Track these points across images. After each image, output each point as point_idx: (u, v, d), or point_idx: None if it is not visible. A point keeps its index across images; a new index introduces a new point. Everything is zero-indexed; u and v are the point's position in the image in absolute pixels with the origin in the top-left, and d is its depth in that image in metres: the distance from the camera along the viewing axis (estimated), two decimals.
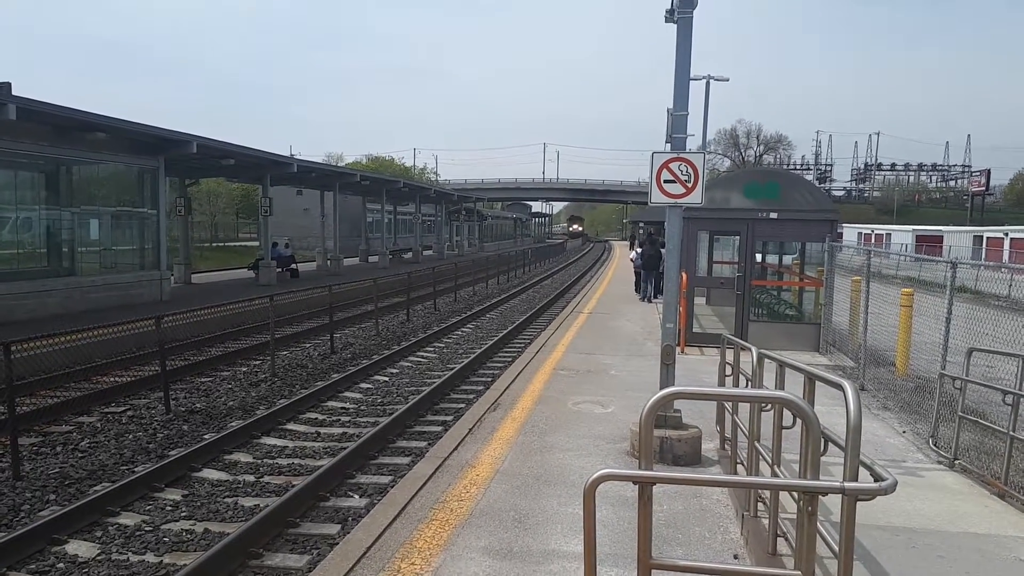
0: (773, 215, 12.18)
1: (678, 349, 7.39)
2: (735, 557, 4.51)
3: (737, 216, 12.32)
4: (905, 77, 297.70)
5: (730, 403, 5.98)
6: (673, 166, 6.38)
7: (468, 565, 4.36)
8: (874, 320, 10.07)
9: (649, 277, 20.50)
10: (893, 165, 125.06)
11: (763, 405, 4.60)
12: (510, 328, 17.15)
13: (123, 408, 9.78)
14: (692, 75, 6.67)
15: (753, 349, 5.16)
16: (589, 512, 2.74)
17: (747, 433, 4.74)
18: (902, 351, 10.10)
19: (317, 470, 7.06)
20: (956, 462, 6.48)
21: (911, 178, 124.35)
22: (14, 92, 13.62)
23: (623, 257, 46.37)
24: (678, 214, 6.68)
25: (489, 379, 11.54)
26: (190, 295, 20.86)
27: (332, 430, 9.02)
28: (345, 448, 7.90)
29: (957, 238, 46.31)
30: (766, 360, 5.05)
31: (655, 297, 19.93)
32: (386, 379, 11.97)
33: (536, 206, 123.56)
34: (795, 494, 3.20)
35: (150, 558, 5.53)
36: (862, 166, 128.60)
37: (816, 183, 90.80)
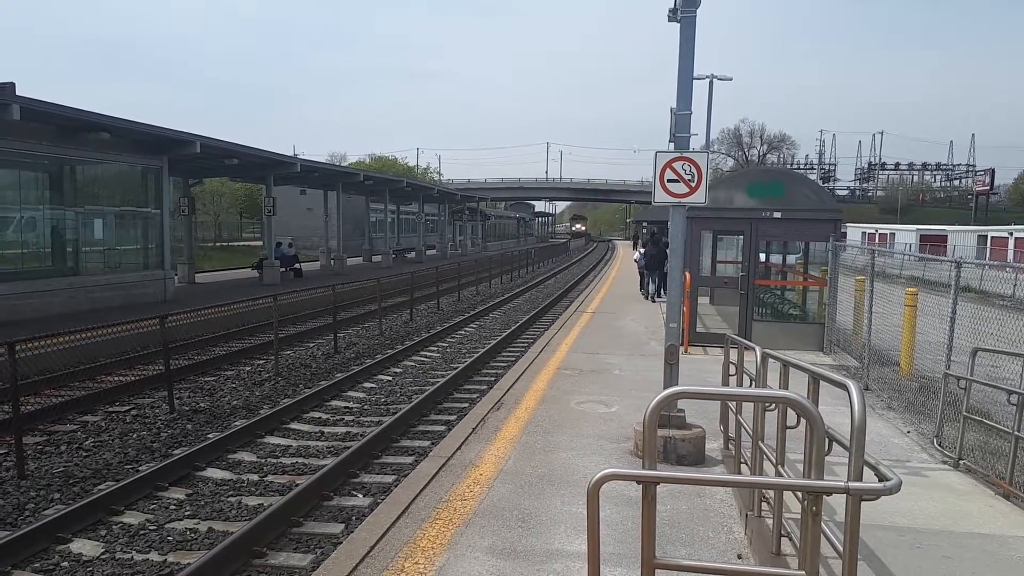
0: (777, 215, 12.16)
1: (682, 349, 7.37)
2: (739, 557, 4.51)
3: (741, 216, 12.30)
4: (909, 76, 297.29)
5: (734, 403, 5.96)
6: (677, 165, 6.37)
7: (472, 564, 4.36)
8: (878, 320, 10.05)
9: (653, 276, 20.62)
10: (897, 164, 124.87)
11: (767, 405, 4.59)
12: (513, 327, 17.15)
13: (127, 407, 9.80)
14: (695, 74, 6.66)
15: (757, 349, 5.15)
16: (593, 512, 2.74)
17: (751, 433, 4.74)
18: (906, 351, 10.07)
19: (321, 469, 7.06)
20: (961, 462, 6.46)
21: (915, 177, 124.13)
22: (17, 92, 13.66)
23: (626, 257, 46.35)
24: (682, 213, 6.67)
25: (492, 378, 11.53)
26: (194, 295, 20.90)
27: (336, 429, 9.03)
28: (349, 447, 7.90)
29: (961, 238, 46.19)
30: (770, 360, 5.04)
31: (659, 296, 19.99)
32: (389, 378, 11.98)
33: (539, 206, 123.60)
34: (799, 494, 3.19)
35: (154, 557, 5.54)
36: (866, 165, 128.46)
37: (820, 182, 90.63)
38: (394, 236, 44.65)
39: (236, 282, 25.38)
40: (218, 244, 53.68)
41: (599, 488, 2.72)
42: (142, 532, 5.97)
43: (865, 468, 2.77)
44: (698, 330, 12.99)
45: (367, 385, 11.43)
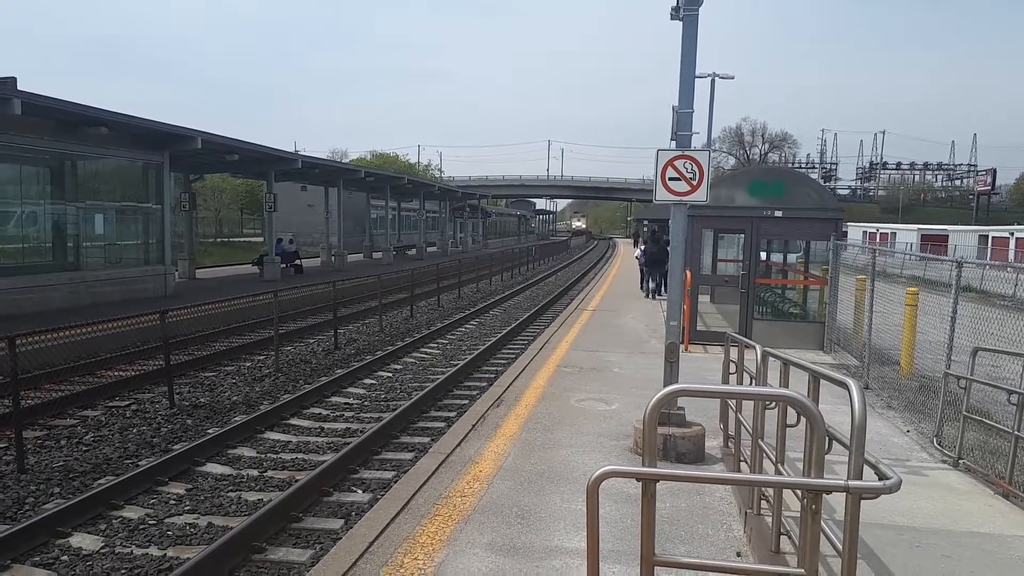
0: (778, 213, 12.16)
1: (682, 347, 7.37)
2: (738, 555, 4.51)
3: (742, 214, 12.30)
4: (910, 76, 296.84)
5: (734, 401, 5.96)
6: (678, 163, 6.37)
7: (471, 561, 4.36)
8: (879, 319, 10.05)
9: (653, 274, 20.68)
10: (898, 164, 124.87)
11: (767, 403, 4.59)
12: (514, 325, 17.15)
13: (127, 402, 9.81)
14: (697, 73, 6.65)
15: (757, 347, 5.15)
16: (592, 509, 2.74)
17: (751, 431, 4.74)
18: (907, 350, 10.07)
19: (320, 465, 7.07)
20: (960, 461, 6.46)
21: (916, 177, 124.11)
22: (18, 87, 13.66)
23: (626, 255, 46.33)
24: (683, 212, 6.67)
25: (492, 375, 11.54)
26: (194, 290, 20.91)
27: (336, 425, 9.04)
28: (349, 443, 7.90)
29: (962, 237, 46.20)
30: (770, 358, 5.04)
31: (659, 294, 20.08)
32: (390, 375, 11.98)
33: (540, 204, 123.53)
34: (799, 492, 3.19)
35: (154, 551, 5.55)
36: (867, 165, 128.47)
37: (821, 182, 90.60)
38: (395, 233, 44.65)
39: (237, 278, 25.38)
40: (219, 240, 53.73)
41: (599, 485, 2.72)
42: (142, 527, 5.98)
43: (865, 467, 2.77)
44: (698, 328, 12.99)
45: (367, 381, 11.44)
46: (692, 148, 6.51)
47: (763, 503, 4.67)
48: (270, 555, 5.49)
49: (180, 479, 7.08)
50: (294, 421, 9.15)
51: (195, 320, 14.31)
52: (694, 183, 6.36)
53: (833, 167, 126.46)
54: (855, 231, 56.15)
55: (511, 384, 9.21)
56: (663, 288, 19.66)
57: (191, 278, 24.93)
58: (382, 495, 6.20)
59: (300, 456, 7.84)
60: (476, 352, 13.39)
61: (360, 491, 6.87)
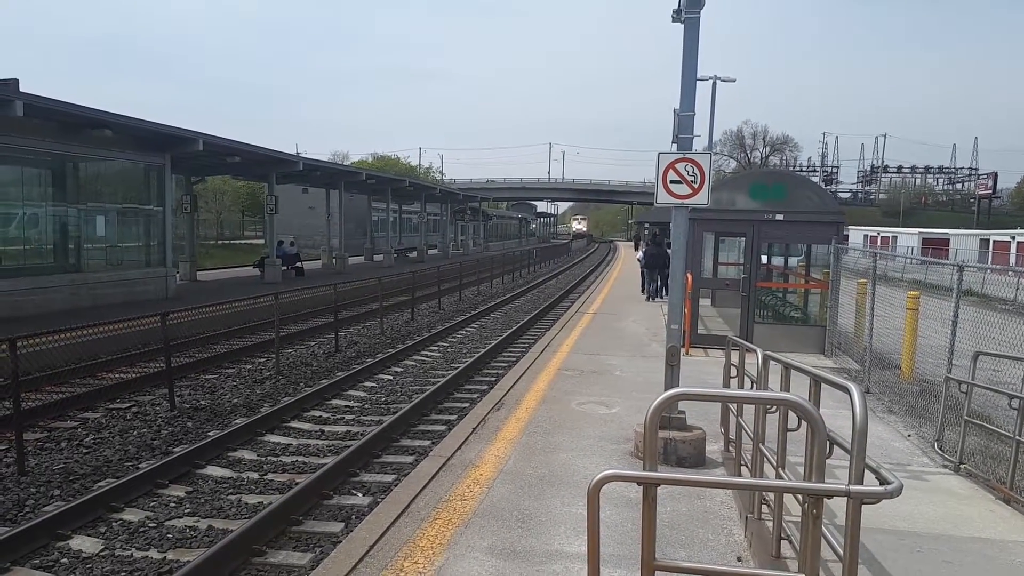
0: (779, 217, 12.15)
1: (683, 350, 7.36)
2: (739, 559, 4.50)
3: (743, 217, 12.30)
4: (911, 77, 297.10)
5: (735, 405, 5.96)
6: (679, 167, 6.37)
7: (471, 564, 4.35)
8: (880, 323, 10.04)
9: (653, 276, 20.82)
10: (900, 167, 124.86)
11: (768, 407, 4.59)
12: (514, 328, 17.15)
13: (128, 404, 9.81)
14: (698, 75, 6.66)
15: (758, 351, 5.14)
16: (593, 513, 2.73)
17: (752, 435, 4.73)
18: (908, 354, 10.07)
19: (321, 468, 7.06)
20: (962, 466, 6.45)
21: (917, 180, 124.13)
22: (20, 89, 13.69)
23: (628, 258, 46.31)
24: (684, 215, 6.67)
25: (493, 379, 11.53)
26: (195, 292, 20.91)
27: (336, 428, 9.03)
28: (349, 446, 7.90)
29: (963, 241, 46.16)
30: (771, 362, 5.04)
31: (658, 296, 20.20)
32: (390, 378, 11.98)
33: (541, 206, 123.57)
34: (799, 497, 3.18)
35: (154, 554, 5.55)
36: (868, 168, 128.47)
37: (822, 185, 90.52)
38: (396, 235, 44.67)
39: (238, 280, 25.39)
40: (220, 242, 53.75)
41: (599, 489, 2.72)
42: (142, 529, 5.98)
43: (866, 471, 2.76)
44: (699, 332, 12.98)
45: (368, 384, 11.43)
46: (693, 151, 6.51)
47: (764, 507, 4.66)
48: (270, 558, 5.48)
49: (180, 482, 7.07)
50: (295, 424, 9.15)
51: (196, 322, 14.30)
52: (695, 186, 6.36)
53: (834, 170, 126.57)
54: (856, 234, 56.16)
55: (512, 387, 9.20)
56: (664, 290, 19.76)
57: (192, 280, 24.94)
58: (382, 498, 6.19)
59: (300, 459, 7.84)
60: (477, 355, 13.38)
61: (360, 494, 6.86)
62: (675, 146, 6.62)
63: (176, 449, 8.03)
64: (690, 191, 6.37)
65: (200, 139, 19.16)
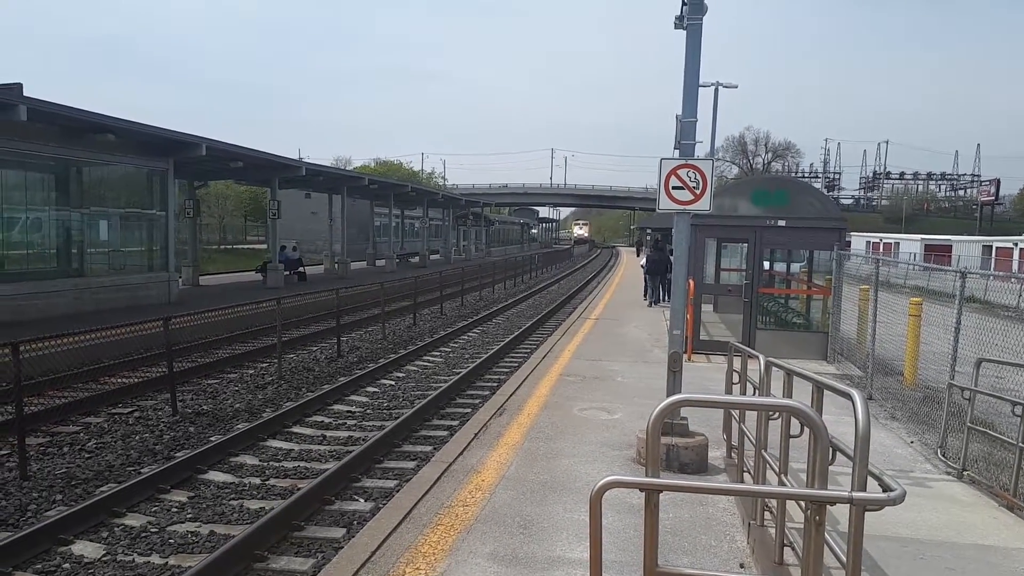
0: (781, 223, 12.15)
1: (685, 356, 7.36)
2: (741, 566, 4.49)
3: (745, 223, 12.30)
4: (913, 82, 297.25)
5: (737, 411, 5.96)
6: (681, 172, 6.37)
7: (473, 571, 4.35)
8: (882, 329, 10.03)
9: (654, 281, 20.95)
10: (902, 174, 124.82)
11: (770, 413, 4.59)
12: (517, 333, 17.15)
13: (130, 409, 9.81)
14: (700, 81, 6.66)
15: (761, 357, 5.14)
16: (595, 519, 2.73)
17: (754, 441, 4.72)
18: (910, 361, 10.05)
19: (323, 473, 7.06)
20: (964, 473, 6.44)
21: (920, 187, 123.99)
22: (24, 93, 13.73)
23: (629, 264, 46.31)
24: (686, 221, 6.67)
25: (495, 384, 11.53)
26: (198, 297, 20.92)
27: (338, 433, 9.03)
28: (351, 452, 7.90)
29: (966, 248, 46.13)
30: (773, 368, 5.04)
31: (659, 302, 20.29)
32: (392, 383, 11.98)
33: (543, 211, 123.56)
34: (802, 503, 3.18)
35: (155, 559, 5.54)
36: (870, 174, 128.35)
37: (824, 191, 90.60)
38: (398, 240, 44.71)
39: (240, 285, 25.41)
40: (222, 247, 53.77)
41: (602, 495, 2.72)
42: (144, 534, 5.98)
43: (869, 478, 2.76)
44: (701, 338, 12.97)
45: (370, 389, 11.43)
46: (696, 157, 6.52)
47: (766, 514, 4.65)
48: (272, 564, 5.48)
49: (182, 487, 7.07)
50: (296, 429, 9.15)
51: (198, 327, 14.32)
52: (697, 192, 6.36)
53: (836, 176, 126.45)
54: (858, 241, 56.06)
55: (514, 393, 9.20)
56: (665, 296, 19.83)
57: (195, 285, 24.97)
58: (384, 504, 6.20)
59: (302, 464, 7.83)
60: (479, 360, 13.38)
61: (362, 500, 6.86)
62: (677, 152, 6.62)
63: (178, 454, 8.03)
64: (692, 197, 6.37)
65: (203, 144, 19.20)
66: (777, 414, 4.46)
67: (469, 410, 10.02)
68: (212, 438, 8.62)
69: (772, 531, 4.28)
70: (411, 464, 7.82)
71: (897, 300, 11.22)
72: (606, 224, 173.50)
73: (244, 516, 6.39)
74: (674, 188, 6.39)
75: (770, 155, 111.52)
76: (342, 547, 5.20)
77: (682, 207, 6.43)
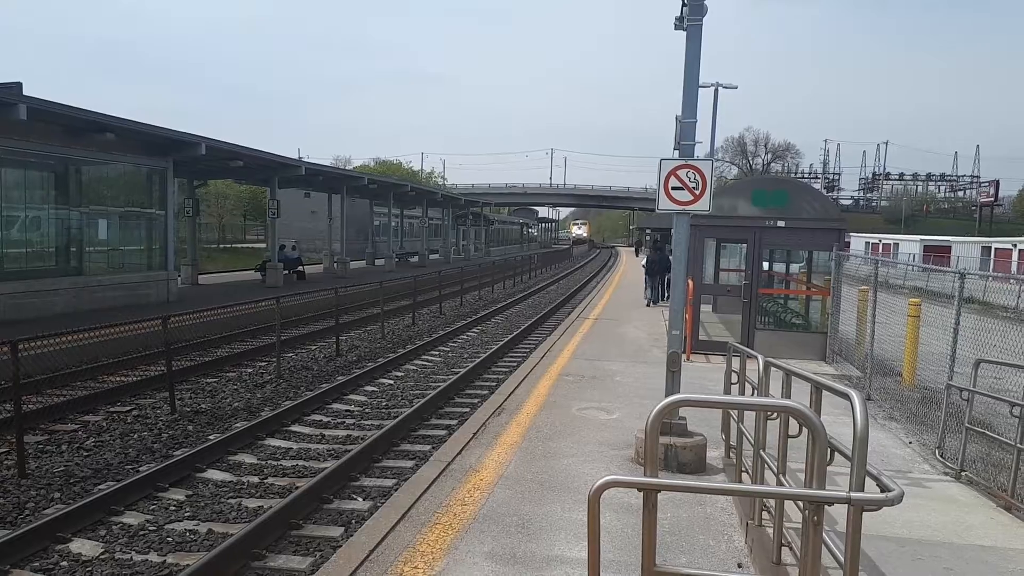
0: (781, 223, 12.16)
1: (684, 357, 7.37)
2: (739, 566, 4.49)
3: (744, 224, 12.30)
4: (913, 86, 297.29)
5: (736, 411, 5.96)
6: (681, 173, 6.38)
7: (471, 570, 4.35)
8: (881, 330, 10.04)
9: (654, 281, 21.05)
10: (901, 175, 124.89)
11: (769, 414, 4.58)
12: (516, 333, 17.15)
13: (129, 408, 9.81)
14: (700, 82, 6.67)
15: (759, 357, 5.14)
16: (593, 518, 2.73)
17: (752, 442, 4.73)
18: (909, 361, 10.06)
19: (321, 472, 7.06)
20: (963, 474, 6.44)
21: (919, 188, 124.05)
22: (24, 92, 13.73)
23: (629, 264, 46.32)
24: (685, 221, 6.67)
25: (494, 384, 11.52)
26: (197, 296, 20.92)
27: (337, 432, 9.03)
28: (349, 451, 7.90)
29: (965, 248, 46.18)
30: (772, 369, 5.04)
31: (658, 301, 20.35)
32: (391, 382, 11.98)
33: (542, 211, 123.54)
34: (800, 503, 3.18)
35: (153, 558, 5.54)
36: (870, 175, 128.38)
37: (824, 192, 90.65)
38: (397, 240, 44.68)
39: (239, 284, 25.40)
40: (222, 246, 53.69)
41: (600, 495, 2.72)
42: (142, 533, 5.97)
43: (867, 478, 2.76)
44: (700, 338, 12.98)
45: (368, 388, 11.43)
46: (695, 158, 6.52)
47: (764, 514, 4.65)
48: (270, 562, 5.48)
49: (181, 485, 7.07)
50: (295, 428, 9.15)
51: (197, 326, 14.32)
52: (697, 192, 6.37)
53: (836, 177, 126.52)
54: (858, 241, 56.13)
55: (512, 392, 9.20)
56: (665, 295, 19.90)
57: (194, 284, 24.96)
58: (382, 503, 6.19)
59: (301, 463, 7.83)
60: (478, 360, 13.38)
61: (360, 499, 6.86)
62: (677, 152, 6.62)
63: (176, 452, 8.03)
64: (692, 197, 6.38)
65: (203, 143, 19.20)
66: (776, 414, 4.46)
67: (468, 409, 10.01)
68: (211, 436, 8.62)
69: (770, 531, 4.28)
70: (410, 463, 7.83)
71: (896, 301, 11.24)
72: (605, 224, 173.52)
73: (242, 514, 6.39)
74: (674, 188, 6.39)
75: (770, 156, 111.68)
76: (340, 546, 5.20)
77: (681, 207, 6.43)
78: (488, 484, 5.84)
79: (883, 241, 59.28)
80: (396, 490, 6.48)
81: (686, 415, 6.54)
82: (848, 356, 12.06)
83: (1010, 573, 4.51)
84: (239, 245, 56.43)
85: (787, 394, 4.61)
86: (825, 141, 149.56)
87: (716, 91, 33.42)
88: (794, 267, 16.06)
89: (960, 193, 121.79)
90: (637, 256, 55.55)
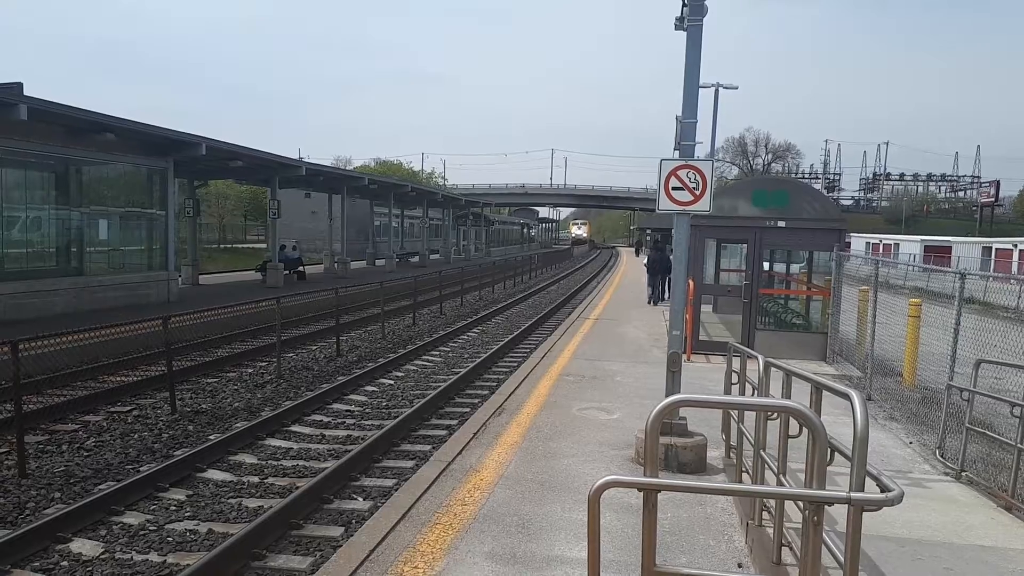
0: (781, 224, 12.15)
1: (684, 357, 7.37)
2: (739, 566, 4.49)
3: (745, 224, 12.30)
4: (913, 86, 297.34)
5: (736, 411, 5.96)
6: (681, 173, 6.38)
7: (471, 570, 4.35)
8: (881, 330, 10.03)
9: (655, 281, 21.10)
10: (902, 175, 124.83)
11: (769, 414, 4.59)
12: (516, 333, 17.15)
13: (129, 408, 9.81)
14: (701, 82, 6.67)
15: (760, 358, 5.14)
16: (593, 518, 2.73)
17: (753, 442, 4.73)
18: (909, 362, 10.06)
19: (321, 472, 7.06)
20: (963, 474, 6.44)
21: (920, 188, 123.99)
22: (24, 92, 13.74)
23: (629, 264, 46.33)
24: (686, 221, 6.67)
25: (494, 384, 11.53)
26: (198, 296, 20.93)
27: (337, 432, 9.03)
28: (350, 451, 7.90)
29: (965, 249, 46.17)
30: (772, 369, 5.04)
31: (659, 300, 20.38)
32: (391, 382, 11.98)
33: (542, 212, 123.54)
34: (800, 503, 3.18)
35: (154, 557, 5.54)
36: (871, 175, 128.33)
37: (824, 192, 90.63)
38: (398, 240, 44.68)
39: (240, 284, 25.41)
40: (222, 246, 53.73)
41: (600, 495, 2.72)
42: (142, 532, 5.98)
43: (867, 479, 2.76)
44: (701, 338, 12.97)
45: (369, 389, 11.43)
46: (696, 158, 6.52)
47: (765, 514, 4.65)
48: (270, 562, 5.48)
49: (181, 485, 7.07)
50: (295, 428, 9.15)
51: (197, 326, 14.32)
52: (697, 193, 6.37)
53: (836, 177, 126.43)
54: (858, 242, 56.13)
55: (513, 392, 9.20)
56: (665, 295, 19.97)
57: (194, 284, 24.97)
58: (383, 503, 6.20)
59: (301, 463, 7.84)
60: (478, 360, 13.39)
61: (361, 499, 6.86)
62: (677, 153, 6.62)
63: (177, 452, 8.03)
64: (692, 198, 6.38)
65: (203, 143, 19.21)
66: (776, 414, 4.46)
67: (468, 409, 10.02)
68: (211, 436, 8.62)
69: (770, 531, 4.28)
70: (410, 463, 7.83)
71: (896, 301, 11.24)
72: (606, 224, 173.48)
73: (243, 514, 6.39)
74: (674, 189, 6.39)
75: (770, 156, 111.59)
76: (341, 546, 5.20)
77: (682, 208, 6.43)
78: (488, 484, 5.84)
79: (883, 241, 59.27)
80: (396, 490, 6.49)
81: (686, 415, 6.55)
82: (848, 356, 12.05)
83: (1010, 573, 4.51)
84: (240, 245, 56.46)
85: (787, 394, 4.61)
86: (825, 141, 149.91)
87: (716, 91, 33.47)
88: (794, 267, 16.07)
89: (960, 193, 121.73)
90: (637, 256, 55.56)
